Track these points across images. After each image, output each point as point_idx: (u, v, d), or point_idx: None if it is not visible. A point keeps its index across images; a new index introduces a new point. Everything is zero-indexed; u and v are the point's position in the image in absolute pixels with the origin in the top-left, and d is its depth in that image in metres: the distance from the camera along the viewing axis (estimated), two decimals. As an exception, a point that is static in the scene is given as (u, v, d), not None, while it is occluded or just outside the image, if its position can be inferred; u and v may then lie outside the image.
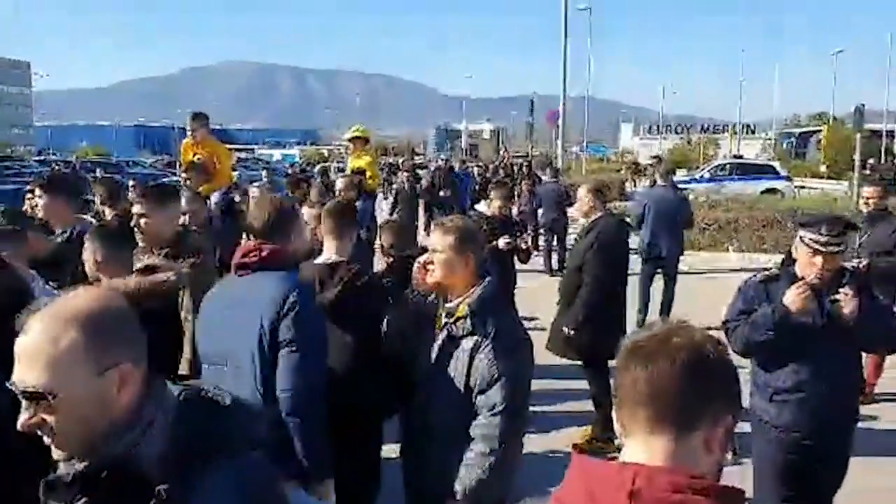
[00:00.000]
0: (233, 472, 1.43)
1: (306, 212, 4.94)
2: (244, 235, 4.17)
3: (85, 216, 5.30)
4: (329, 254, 3.75)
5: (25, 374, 1.40)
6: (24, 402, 1.41)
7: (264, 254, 3.04)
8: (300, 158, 51.88)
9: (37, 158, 42.44)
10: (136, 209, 4.26)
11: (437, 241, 3.03)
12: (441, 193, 17.12)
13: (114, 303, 1.50)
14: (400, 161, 29.37)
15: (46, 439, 1.44)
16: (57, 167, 25.42)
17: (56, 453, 1.46)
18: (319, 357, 3.01)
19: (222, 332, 3.02)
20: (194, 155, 8.11)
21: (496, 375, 2.83)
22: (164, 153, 55.80)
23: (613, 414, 1.45)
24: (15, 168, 29.55)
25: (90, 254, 3.51)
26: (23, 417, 1.42)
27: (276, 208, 3.22)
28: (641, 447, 1.38)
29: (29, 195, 6.70)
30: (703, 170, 29.72)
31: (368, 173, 9.40)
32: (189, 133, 8.33)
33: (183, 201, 4.99)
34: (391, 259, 4.62)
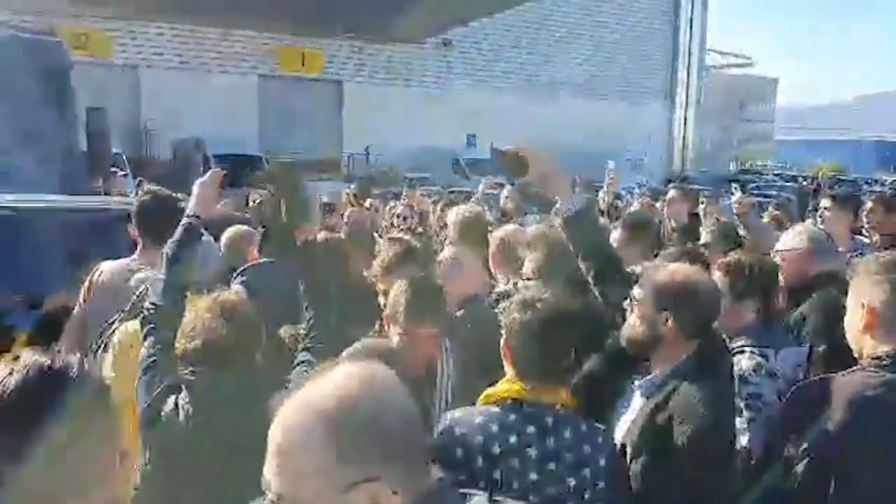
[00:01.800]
0: None
1: None
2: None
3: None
4: None
5: (268, 469, 1.13)
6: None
7: None
8: None
9: (776, 172, 43.77)
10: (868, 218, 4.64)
11: None
12: None
13: (387, 396, 1.13)
14: None
15: None
16: (803, 182, 25.56)
17: None
18: None
19: None
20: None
21: None
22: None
23: None
24: (755, 181, 31.05)
25: None
26: None
27: None
28: None
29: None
30: None
31: None
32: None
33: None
34: None
